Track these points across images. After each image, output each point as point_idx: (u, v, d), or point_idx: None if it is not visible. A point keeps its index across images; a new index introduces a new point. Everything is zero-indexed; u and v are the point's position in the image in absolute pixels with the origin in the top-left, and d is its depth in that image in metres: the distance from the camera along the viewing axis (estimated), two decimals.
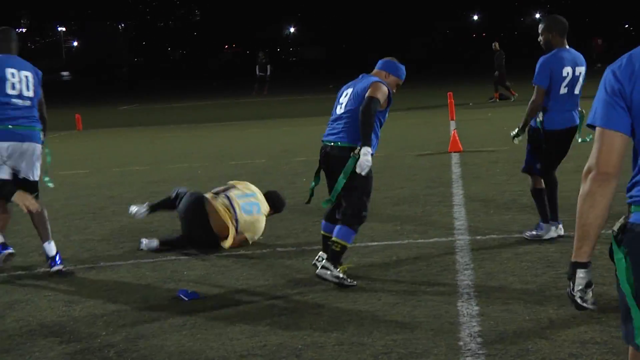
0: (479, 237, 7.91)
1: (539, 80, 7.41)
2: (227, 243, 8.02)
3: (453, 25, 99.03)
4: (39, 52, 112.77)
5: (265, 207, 8.36)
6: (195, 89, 48.84)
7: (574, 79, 7.45)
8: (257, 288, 6.62)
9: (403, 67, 6.88)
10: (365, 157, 6.32)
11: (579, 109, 7.58)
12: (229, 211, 8.05)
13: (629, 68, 2.81)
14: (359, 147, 6.38)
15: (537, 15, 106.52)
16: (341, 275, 6.46)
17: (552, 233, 7.61)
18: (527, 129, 7.75)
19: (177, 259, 7.78)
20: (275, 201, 8.57)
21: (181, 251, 8.03)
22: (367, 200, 6.61)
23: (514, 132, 7.82)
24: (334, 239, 6.54)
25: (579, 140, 7.60)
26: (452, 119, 17.60)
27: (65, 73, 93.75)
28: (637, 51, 2.85)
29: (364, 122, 6.38)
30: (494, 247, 7.48)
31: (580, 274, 2.91)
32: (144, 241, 8.15)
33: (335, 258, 6.48)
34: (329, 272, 6.42)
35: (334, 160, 6.62)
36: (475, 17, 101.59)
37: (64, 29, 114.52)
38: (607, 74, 2.87)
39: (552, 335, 5.07)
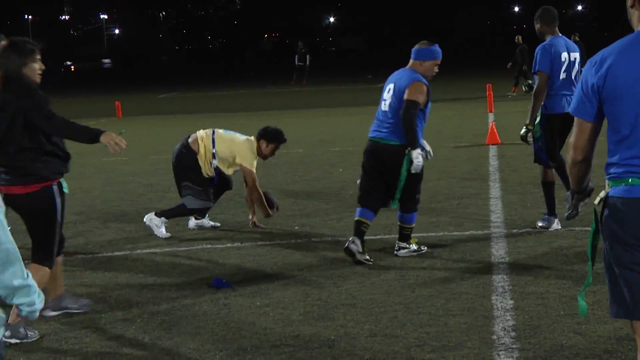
0: (515, 231, 7.86)
1: (542, 67, 7.65)
2: (204, 170, 8.36)
3: (493, 15, 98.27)
4: (81, 39, 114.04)
5: (252, 142, 8.41)
6: (234, 77, 48.98)
7: (570, 64, 7.74)
8: (291, 278, 6.64)
9: (435, 47, 7.13)
10: (417, 160, 6.85)
11: None
12: (208, 133, 8.56)
13: (602, 65, 3.25)
14: (409, 150, 6.85)
15: (579, 8, 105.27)
16: (415, 247, 7.19)
17: (555, 225, 7.81)
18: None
19: (213, 248, 7.83)
20: (267, 134, 8.47)
21: (216, 240, 8.09)
22: (420, 185, 7.22)
23: (523, 131, 7.78)
24: (403, 225, 7.18)
25: None
26: (491, 111, 17.49)
27: (106, 60, 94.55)
28: (609, 49, 3.27)
29: (406, 128, 6.84)
30: (530, 241, 7.43)
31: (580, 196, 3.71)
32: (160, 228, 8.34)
33: (407, 238, 7.21)
34: (406, 251, 7.16)
35: (382, 158, 7.04)
36: (517, 9, 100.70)
37: (106, 16, 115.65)
38: (584, 70, 3.34)
39: (587, 331, 5.03)
